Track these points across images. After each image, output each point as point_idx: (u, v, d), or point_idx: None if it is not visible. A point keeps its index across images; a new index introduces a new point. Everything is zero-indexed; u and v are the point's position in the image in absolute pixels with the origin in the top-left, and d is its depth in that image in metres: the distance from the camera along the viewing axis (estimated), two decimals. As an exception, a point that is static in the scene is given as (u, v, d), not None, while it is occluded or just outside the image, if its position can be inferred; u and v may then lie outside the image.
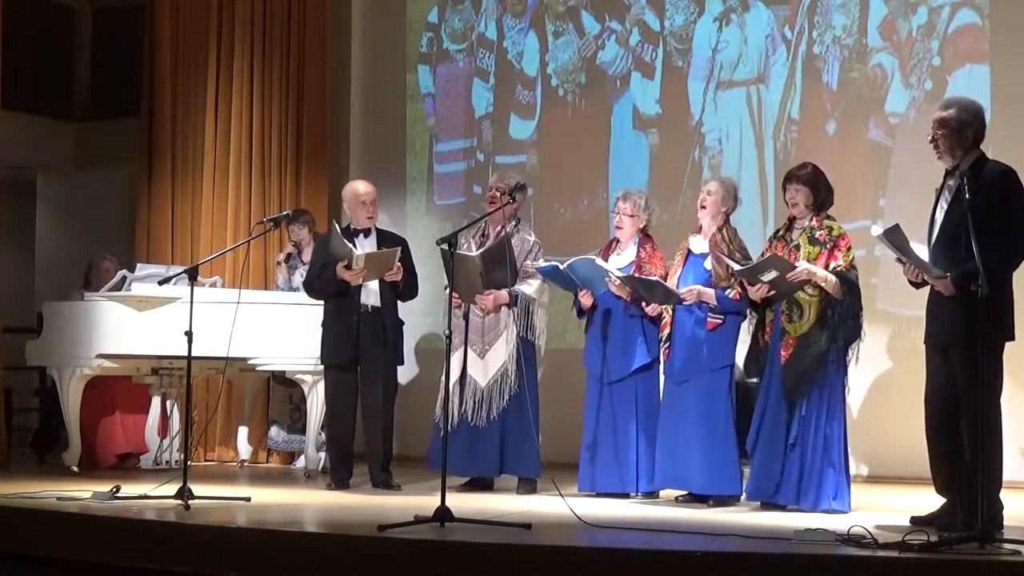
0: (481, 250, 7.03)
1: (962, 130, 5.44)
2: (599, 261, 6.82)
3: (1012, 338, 5.38)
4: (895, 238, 5.45)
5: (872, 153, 8.31)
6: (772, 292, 6.16)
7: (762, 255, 6.40)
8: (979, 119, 5.48)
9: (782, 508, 6.11)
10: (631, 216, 6.94)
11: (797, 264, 6.09)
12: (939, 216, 5.52)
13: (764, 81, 8.64)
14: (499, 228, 7.17)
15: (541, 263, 7.07)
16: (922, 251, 5.53)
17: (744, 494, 6.41)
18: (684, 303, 6.50)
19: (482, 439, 7.06)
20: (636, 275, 6.70)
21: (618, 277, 6.69)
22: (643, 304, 6.74)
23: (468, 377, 7.11)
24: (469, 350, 7.13)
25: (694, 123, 8.85)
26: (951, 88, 8.01)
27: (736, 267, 6.25)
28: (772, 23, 8.64)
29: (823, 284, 6.07)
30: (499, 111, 9.58)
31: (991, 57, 7.99)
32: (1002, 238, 5.20)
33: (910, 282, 5.64)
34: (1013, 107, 7.86)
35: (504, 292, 7.05)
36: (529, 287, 7.11)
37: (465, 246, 7.25)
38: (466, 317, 7.15)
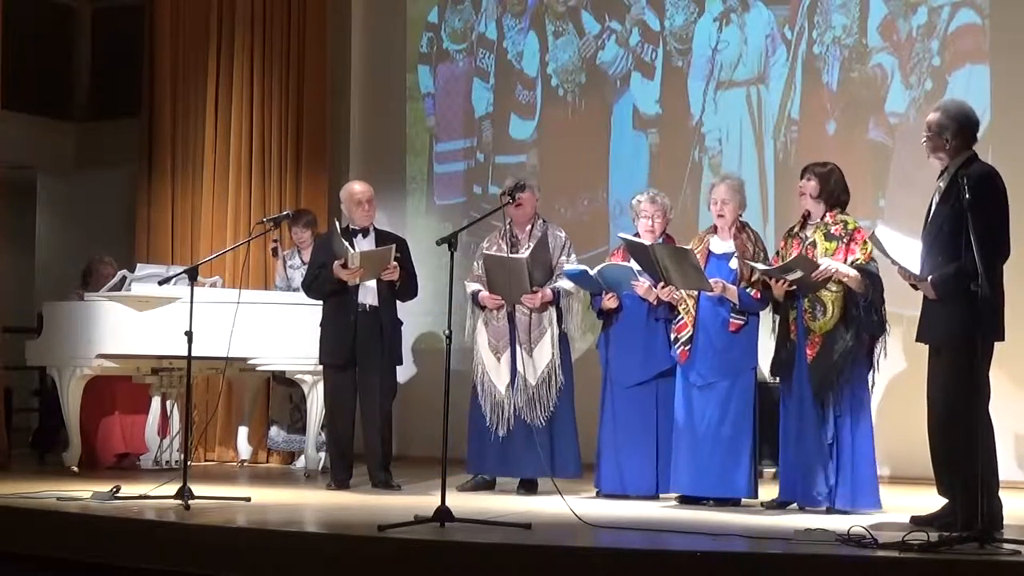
0: (529, 251, 6.98)
1: (941, 133, 5.49)
2: (630, 264, 6.76)
3: (1001, 339, 5.37)
4: (876, 245, 5.50)
5: (872, 153, 8.30)
6: (794, 287, 6.17)
7: (777, 253, 6.41)
8: (960, 122, 5.49)
9: (829, 511, 6.05)
10: (662, 219, 6.89)
11: (820, 262, 6.09)
12: (929, 218, 5.55)
13: (764, 81, 8.64)
14: (529, 228, 7.17)
15: (569, 267, 7.04)
16: (917, 250, 5.56)
17: (758, 496, 6.46)
18: (710, 292, 6.44)
19: (527, 440, 6.96)
20: (671, 244, 6.66)
21: (649, 245, 6.57)
22: (658, 283, 6.62)
23: (518, 377, 7.05)
24: (518, 349, 7.07)
25: (694, 123, 8.85)
26: (951, 88, 8.01)
27: (761, 267, 6.24)
28: (772, 23, 8.64)
29: (846, 280, 6.06)
30: (499, 111, 9.58)
31: (991, 57, 7.99)
32: (980, 239, 5.19)
33: (910, 284, 5.65)
34: (1013, 107, 7.86)
35: (548, 290, 7.04)
36: (567, 282, 7.09)
37: (495, 248, 7.21)
38: (511, 318, 7.10)
